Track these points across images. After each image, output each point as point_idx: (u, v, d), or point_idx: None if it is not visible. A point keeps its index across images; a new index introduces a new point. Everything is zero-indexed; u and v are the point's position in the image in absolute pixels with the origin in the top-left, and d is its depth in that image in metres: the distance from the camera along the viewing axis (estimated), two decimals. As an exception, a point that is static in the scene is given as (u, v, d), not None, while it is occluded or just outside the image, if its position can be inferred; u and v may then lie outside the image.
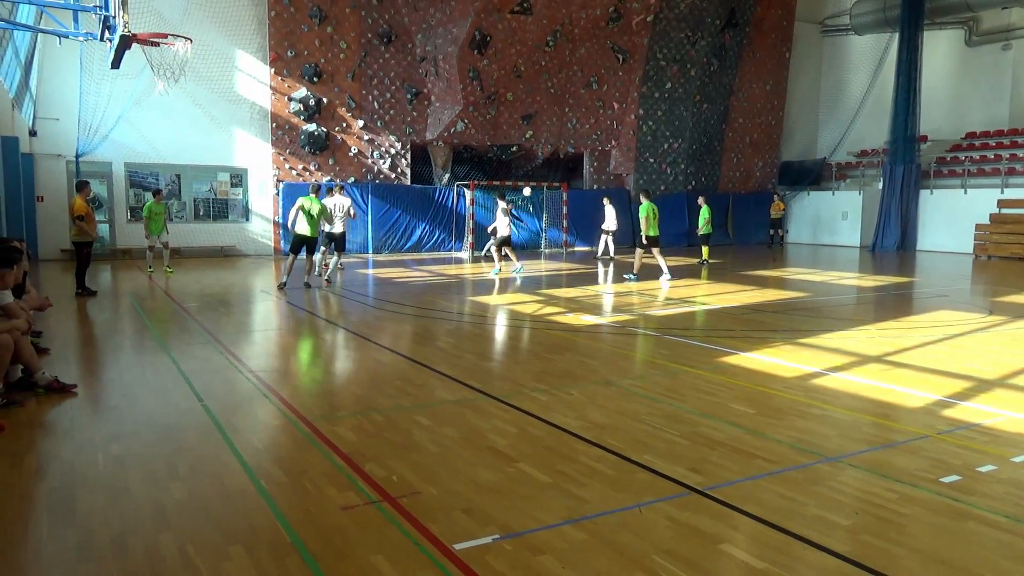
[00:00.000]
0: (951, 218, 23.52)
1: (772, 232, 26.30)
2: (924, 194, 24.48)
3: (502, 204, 15.96)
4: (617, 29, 23.62)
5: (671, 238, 25.43)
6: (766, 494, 4.17)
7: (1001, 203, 22.60)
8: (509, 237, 16.08)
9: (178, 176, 19.97)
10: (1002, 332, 9.43)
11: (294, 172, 20.96)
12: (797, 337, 8.95)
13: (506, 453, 4.81)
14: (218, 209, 20.49)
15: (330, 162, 21.32)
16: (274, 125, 20.62)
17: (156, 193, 15.77)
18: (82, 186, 13.00)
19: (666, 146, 25.51)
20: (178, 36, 12.81)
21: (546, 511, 3.93)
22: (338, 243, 14.01)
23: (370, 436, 5.18)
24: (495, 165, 24.86)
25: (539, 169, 25.12)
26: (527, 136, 23.56)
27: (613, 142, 25.10)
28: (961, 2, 24.26)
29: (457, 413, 5.80)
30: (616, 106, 24.67)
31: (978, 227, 22.65)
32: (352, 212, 14.17)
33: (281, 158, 20.80)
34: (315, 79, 20.71)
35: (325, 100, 20.96)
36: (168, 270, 15.61)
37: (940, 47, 26.60)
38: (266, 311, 11.79)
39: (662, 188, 25.56)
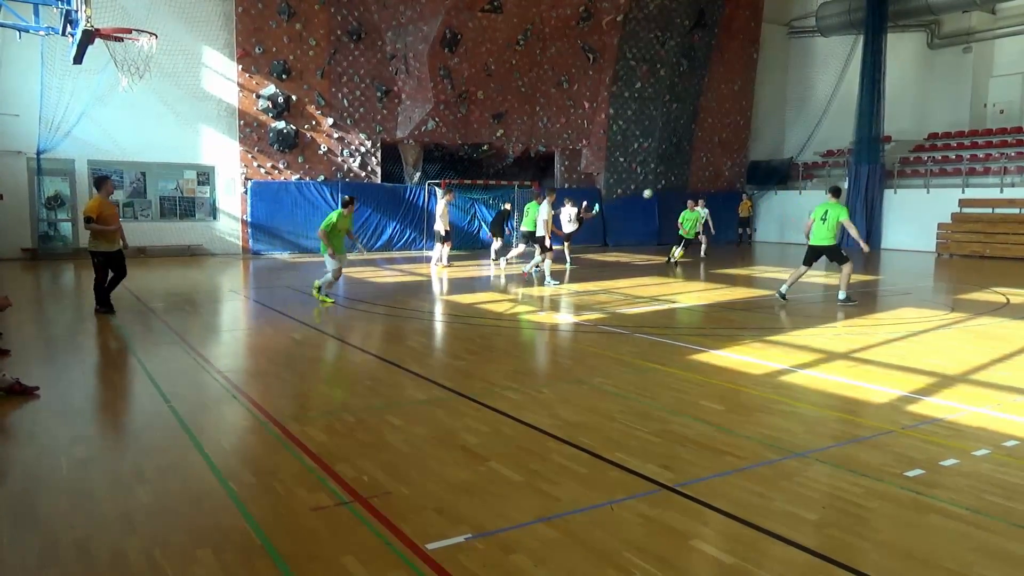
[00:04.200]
0: (914, 217, 23.99)
1: (741, 231, 26.61)
2: (888, 193, 24.94)
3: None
4: (587, 28, 23.70)
5: (643, 236, 25.67)
6: (735, 490, 4.22)
7: (962, 202, 23.12)
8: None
9: (143, 174, 19.61)
10: (963, 329, 9.65)
11: (262, 170, 20.71)
12: (765, 335, 9.06)
13: (478, 452, 4.80)
14: (184, 207, 20.17)
15: (299, 160, 21.11)
16: (242, 122, 20.35)
17: (348, 202, 11.62)
18: (100, 183, 10.36)
19: (636, 145, 25.66)
20: (142, 31, 12.61)
21: (518, 510, 3.93)
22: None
23: (341, 436, 5.14)
24: (466, 164, 24.81)
25: (510, 168, 25.12)
26: (498, 135, 23.55)
27: (584, 141, 25.19)
28: (923, 5, 24.74)
29: (428, 412, 5.78)
30: (587, 105, 24.76)
31: (940, 226, 23.14)
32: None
33: (249, 156, 20.53)
34: (284, 76, 20.48)
35: (294, 97, 20.74)
36: (327, 299, 11.44)
37: (904, 49, 27.10)
38: (234, 311, 11.65)
39: (632, 187, 25.72)
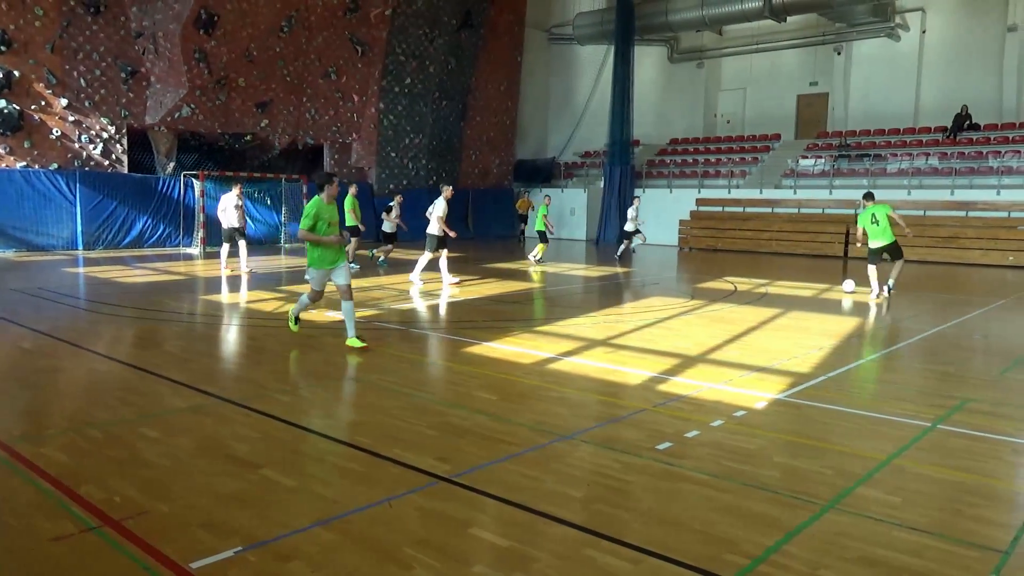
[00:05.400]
0: (660, 214, 26.51)
1: (522, 227, 27.65)
2: (638, 192, 27.33)
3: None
4: (355, 20, 23.31)
5: (414, 232, 25.73)
6: (509, 475, 4.38)
7: (699, 201, 26.00)
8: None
9: None
10: (701, 314, 10.84)
11: (-22, 155, 17.92)
12: (534, 325, 9.53)
13: (248, 460, 4.55)
14: None
15: (26, 145, 18.53)
16: (-51, 99, 17.45)
17: (326, 181, 7.98)
18: None
19: (407, 141, 25.73)
20: None
21: (293, 516, 3.78)
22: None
23: (86, 455, 4.60)
24: (227, 155, 23.32)
25: (276, 160, 24.04)
26: (262, 125, 22.40)
27: (354, 135, 24.78)
28: (663, 22, 27.37)
29: (191, 421, 5.36)
30: (356, 98, 24.36)
31: (681, 223, 25.82)
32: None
33: (-40, 138, 17.67)
34: (2, 48, 17.85)
35: (17, 73, 18.16)
36: (293, 324, 8.83)
37: (649, 61, 29.83)
38: (-56, 319, 9.95)
39: (404, 183, 25.74)
